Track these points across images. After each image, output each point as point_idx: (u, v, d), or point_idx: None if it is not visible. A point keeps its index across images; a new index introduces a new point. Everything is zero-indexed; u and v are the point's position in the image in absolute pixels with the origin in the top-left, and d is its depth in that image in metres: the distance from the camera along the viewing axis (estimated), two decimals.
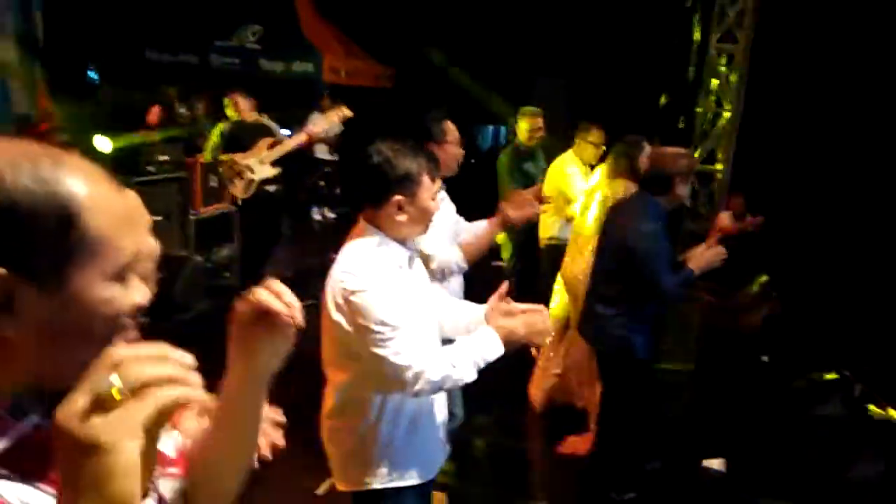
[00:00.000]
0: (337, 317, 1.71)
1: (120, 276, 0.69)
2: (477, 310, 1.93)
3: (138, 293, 0.73)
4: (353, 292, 1.67)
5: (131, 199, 0.73)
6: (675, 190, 2.81)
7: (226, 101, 5.53)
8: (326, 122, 5.58)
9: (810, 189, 6.83)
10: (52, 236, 0.63)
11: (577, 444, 3.66)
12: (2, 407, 0.67)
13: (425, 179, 1.77)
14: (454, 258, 2.52)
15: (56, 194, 0.63)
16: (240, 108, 5.41)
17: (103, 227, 0.66)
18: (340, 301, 1.70)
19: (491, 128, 11.51)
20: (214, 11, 9.43)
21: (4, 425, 0.66)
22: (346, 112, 5.18)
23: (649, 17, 7.99)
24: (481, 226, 2.73)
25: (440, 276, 2.49)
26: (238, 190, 5.32)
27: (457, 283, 2.77)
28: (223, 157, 5.37)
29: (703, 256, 2.76)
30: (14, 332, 0.64)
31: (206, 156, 5.66)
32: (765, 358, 4.85)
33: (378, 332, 1.65)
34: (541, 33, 8.79)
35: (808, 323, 4.85)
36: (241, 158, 5.28)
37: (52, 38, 9.22)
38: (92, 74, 9.94)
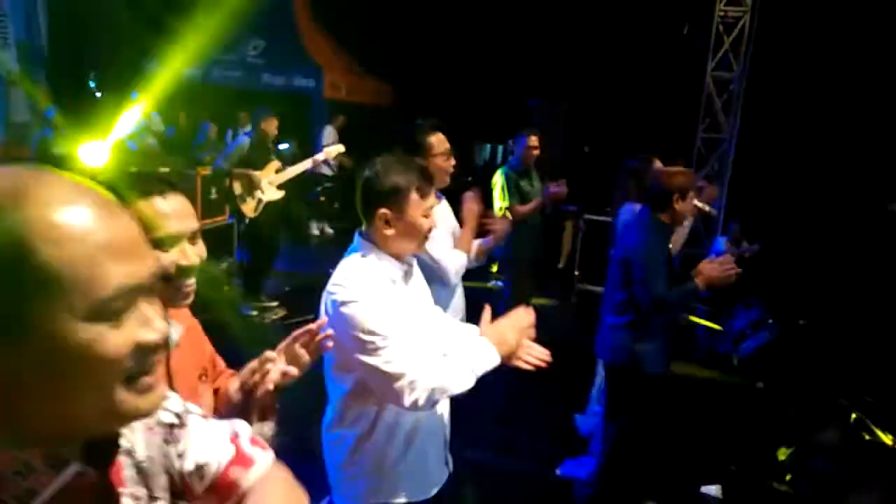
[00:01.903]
0: (329, 329, 1.72)
1: (104, 314, 0.60)
2: (473, 329, 1.95)
3: (142, 330, 0.63)
4: (343, 303, 1.68)
5: (125, 224, 0.63)
6: (673, 206, 2.85)
7: (243, 115, 5.62)
8: (326, 155, 5.85)
9: (806, 215, 6.88)
10: (7, 275, 0.56)
11: (576, 467, 3.63)
12: (39, 460, 0.62)
13: (413, 196, 1.76)
14: (459, 261, 2.58)
15: (10, 227, 0.56)
16: (269, 132, 5.51)
17: (69, 259, 0.57)
18: (332, 312, 1.71)
19: (488, 146, 11.56)
20: (217, 25, 9.51)
21: (43, 480, 0.61)
22: (341, 149, 5.90)
23: (648, 44, 8.09)
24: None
25: (457, 277, 2.58)
26: (249, 208, 5.40)
27: (460, 300, 2.78)
28: (237, 171, 5.40)
29: (712, 273, 2.74)
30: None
31: (216, 161, 5.69)
32: (760, 384, 4.85)
33: (369, 342, 1.65)
34: (539, 57, 8.88)
35: (803, 349, 4.86)
36: (256, 176, 5.39)
37: (55, 48, 9.26)
38: (92, 84, 9.97)
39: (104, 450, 0.68)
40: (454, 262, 2.61)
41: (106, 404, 0.61)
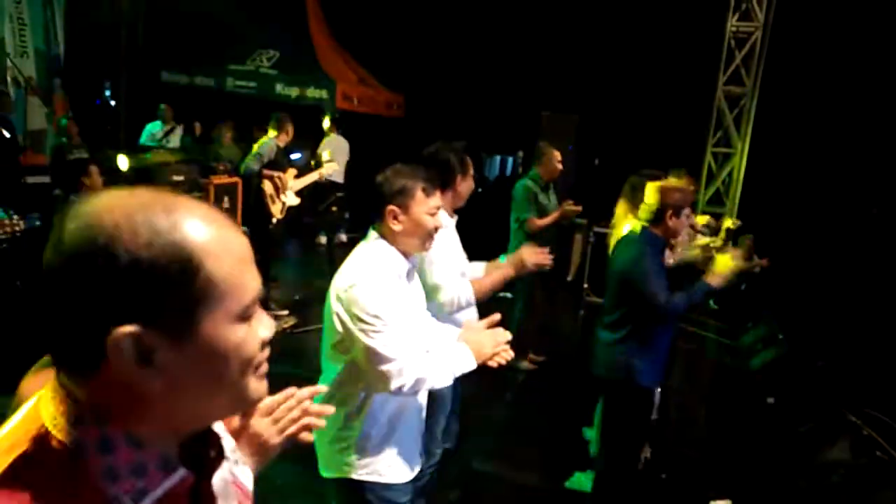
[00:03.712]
0: (336, 307, 1.85)
1: (247, 316, 0.68)
2: (454, 332, 2.11)
3: (264, 328, 0.72)
4: (351, 285, 1.83)
5: (244, 238, 0.72)
6: (665, 221, 2.87)
7: (272, 124, 5.66)
8: (328, 170, 6.09)
9: (817, 230, 6.86)
10: (177, 286, 0.63)
11: (584, 480, 3.63)
12: (153, 462, 0.67)
13: (419, 194, 1.93)
14: (464, 293, 2.58)
15: (175, 244, 0.63)
16: (289, 134, 5.63)
17: (225, 270, 0.65)
18: (341, 293, 1.84)
19: (498, 157, 11.60)
20: (231, 36, 9.65)
21: (156, 480, 0.67)
22: (336, 167, 6.38)
23: (659, 57, 8.13)
24: (481, 266, 2.86)
25: (451, 307, 2.55)
26: (276, 210, 5.50)
27: (471, 315, 2.80)
28: (268, 172, 5.46)
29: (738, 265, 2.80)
30: (159, 386, 0.64)
31: (247, 164, 5.68)
32: (771, 399, 4.82)
33: (369, 324, 1.79)
34: (550, 69, 8.94)
35: (814, 365, 4.84)
36: (284, 179, 5.49)
37: (72, 57, 9.40)
38: (107, 93, 10.12)
39: (203, 455, 0.75)
40: (458, 291, 2.56)
41: (239, 392, 0.71)
